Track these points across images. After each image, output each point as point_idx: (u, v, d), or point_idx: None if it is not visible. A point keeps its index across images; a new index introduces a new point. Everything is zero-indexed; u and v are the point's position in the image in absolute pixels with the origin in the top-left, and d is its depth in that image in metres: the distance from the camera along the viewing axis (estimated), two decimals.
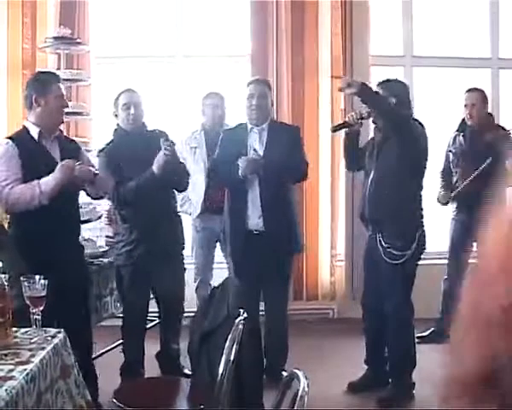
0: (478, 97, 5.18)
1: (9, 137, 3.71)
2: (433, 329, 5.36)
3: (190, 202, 5.17)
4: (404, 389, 4.19)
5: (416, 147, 3.99)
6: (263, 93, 4.35)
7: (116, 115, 4.30)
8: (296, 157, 4.31)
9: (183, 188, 4.47)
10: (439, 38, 6.18)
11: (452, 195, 5.24)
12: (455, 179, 5.30)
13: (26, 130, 3.69)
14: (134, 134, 4.23)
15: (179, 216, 4.48)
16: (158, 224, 4.13)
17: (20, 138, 3.65)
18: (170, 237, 4.25)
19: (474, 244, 5.19)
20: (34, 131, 3.63)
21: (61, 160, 3.65)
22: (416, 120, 4.17)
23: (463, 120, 5.27)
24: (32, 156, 3.59)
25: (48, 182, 3.51)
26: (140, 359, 4.35)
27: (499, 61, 6.22)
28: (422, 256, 5.93)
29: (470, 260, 5.22)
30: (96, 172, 3.58)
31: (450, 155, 5.31)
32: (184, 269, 4.48)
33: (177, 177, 4.24)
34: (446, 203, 5.31)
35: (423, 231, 4.15)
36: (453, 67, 6.16)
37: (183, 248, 4.47)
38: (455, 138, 5.29)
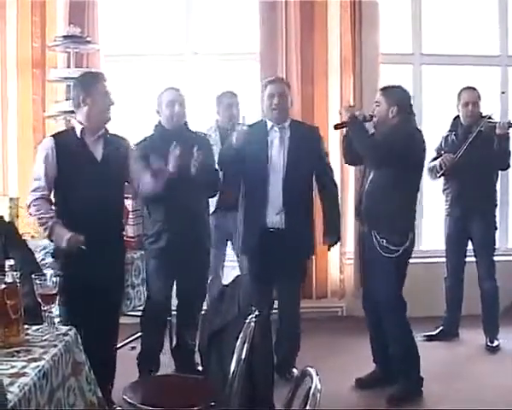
0: (477, 96, 5.09)
1: (54, 135, 3.84)
2: (441, 328, 5.36)
3: None
4: (411, 386, 4.22)
5: (406, 162, 4.03)
6: (284, 92, 4.38)
7: (158, 112, 4.30)
8: (325, 169, 4.50)
9: (210, 196, 4.52)
10: (448, 36, 6.17)
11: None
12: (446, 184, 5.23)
13: (72, 128, 3.82)
14: (174, 132, 4.22)
15: (208, 214, 4.50)
16: (186, 220, 4.14)
17: (64, 136, 3.80)
18: (197, 233, 4.25)
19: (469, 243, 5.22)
20: (78, 130, 3.71)
21: (104, 157, 3.71)
22: (413, 125, 4.23)
23: (457, 118, 5.17)
24: (71, 153, 3.66)
25: (58, 234, 3.59)
26: (158, 351, 4.38)
27: (508, 59, 6.21)
28: (429, 254, 5.96)
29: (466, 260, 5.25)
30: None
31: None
32: (208, 267, 4.50)
33: (206, 184, 4.24)
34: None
35: (414, 230, 4.25)
36: (462, 64, 6.14)
37: (210, 247, 4.48)
38: (447, 138, 5.19)
